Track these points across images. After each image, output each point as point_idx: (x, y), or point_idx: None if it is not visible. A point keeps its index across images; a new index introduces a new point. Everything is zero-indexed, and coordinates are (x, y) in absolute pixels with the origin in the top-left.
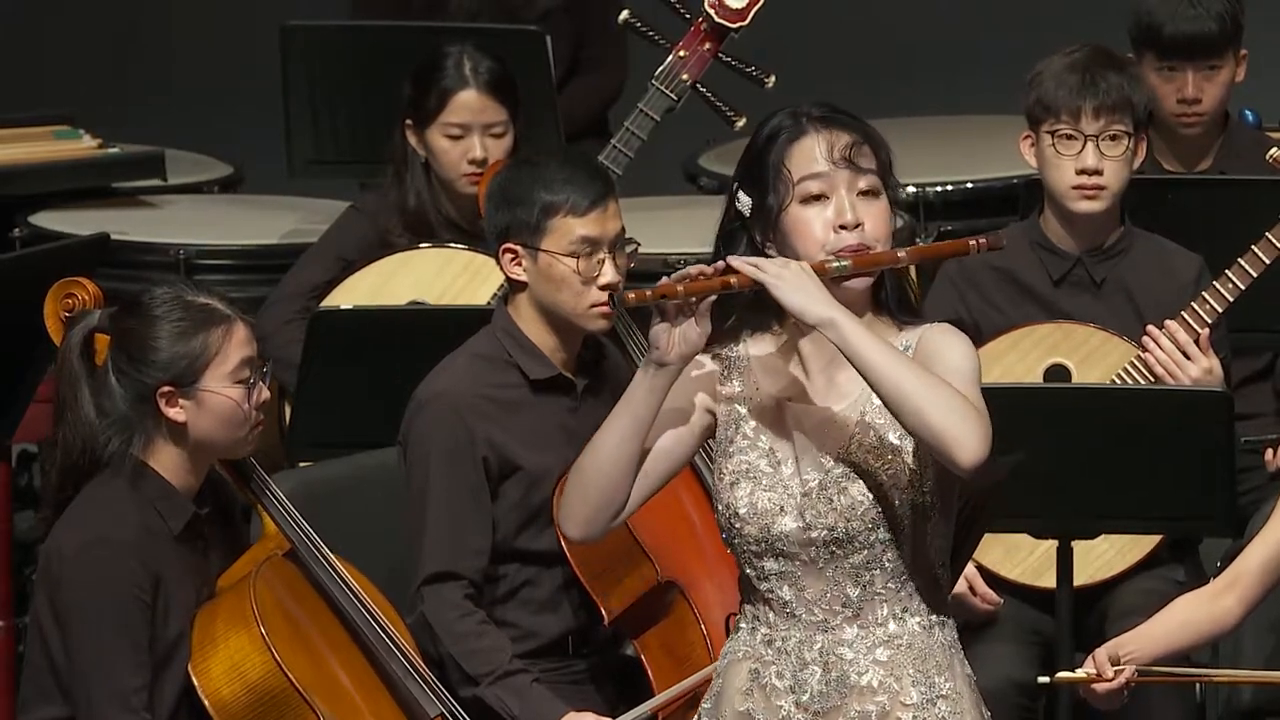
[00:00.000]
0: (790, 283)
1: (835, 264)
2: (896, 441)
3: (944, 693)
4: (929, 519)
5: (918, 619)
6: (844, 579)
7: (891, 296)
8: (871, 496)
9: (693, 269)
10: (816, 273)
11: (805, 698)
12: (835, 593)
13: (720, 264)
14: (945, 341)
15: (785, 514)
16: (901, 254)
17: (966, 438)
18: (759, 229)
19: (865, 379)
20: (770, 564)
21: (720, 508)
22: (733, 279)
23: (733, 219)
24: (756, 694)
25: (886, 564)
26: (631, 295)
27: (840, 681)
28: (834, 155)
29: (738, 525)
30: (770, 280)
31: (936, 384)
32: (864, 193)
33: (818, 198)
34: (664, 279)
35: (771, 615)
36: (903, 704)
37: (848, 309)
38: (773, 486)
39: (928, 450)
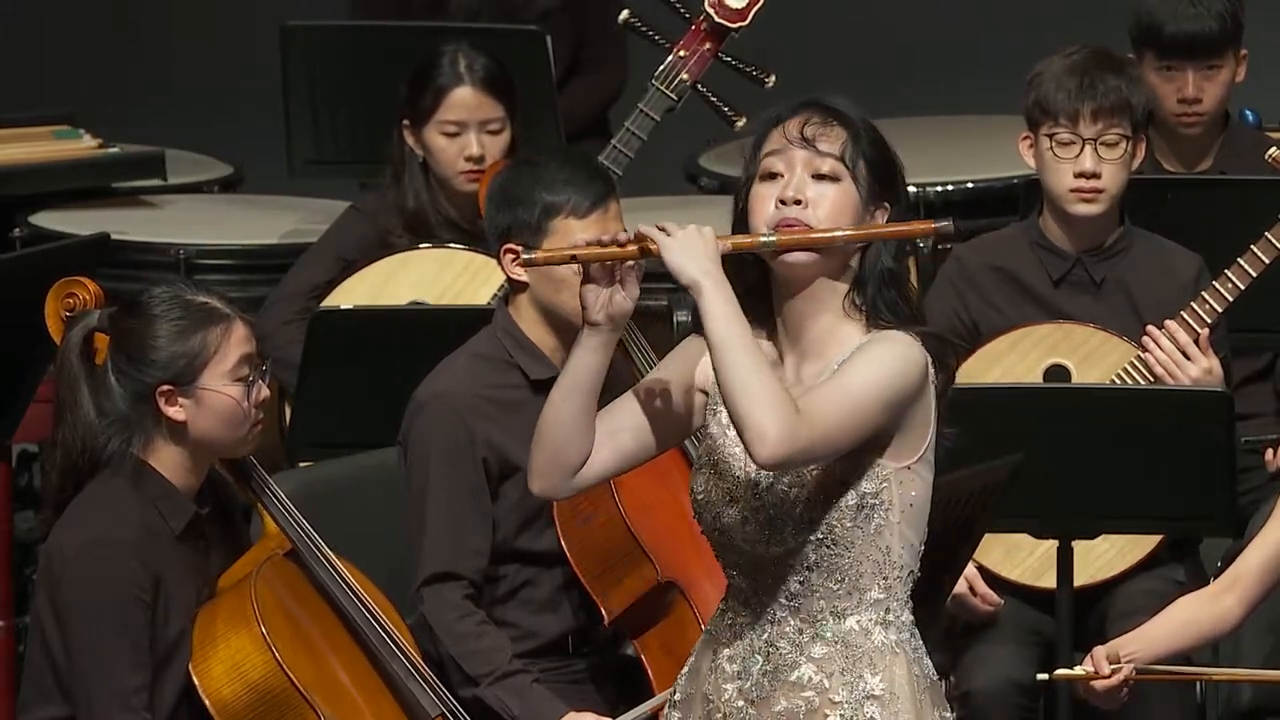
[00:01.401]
0: (677, 243)
1: (763, 239)
2: None
3: (875, 693)
4: (872, 520)
5: (855, 619)
6: (786, 572)
7: (879, 299)
8: (803, 492)
9: (608, 235)
10: (744, 246)
11: (747, 685)
12: (780, 585)
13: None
14: (873, 348)
15: (732, 504)
16: (839, 233)
17: (766, 432)
18: (741, 204)
19: (709, 352)
20: (727, 553)
21: (691, 494)
22: (638, 245)
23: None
24: (713, 675)
25: (823, 561)
26: (541, 254)
27: (775, 673)
28: (793, 134)
29: (697, 512)
30: (661, 240)
31: (761, 375)
32: (820, 175)
33: (774, 175)
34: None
35: (734, 601)
36: (831, 701)
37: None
38: (726, 476)
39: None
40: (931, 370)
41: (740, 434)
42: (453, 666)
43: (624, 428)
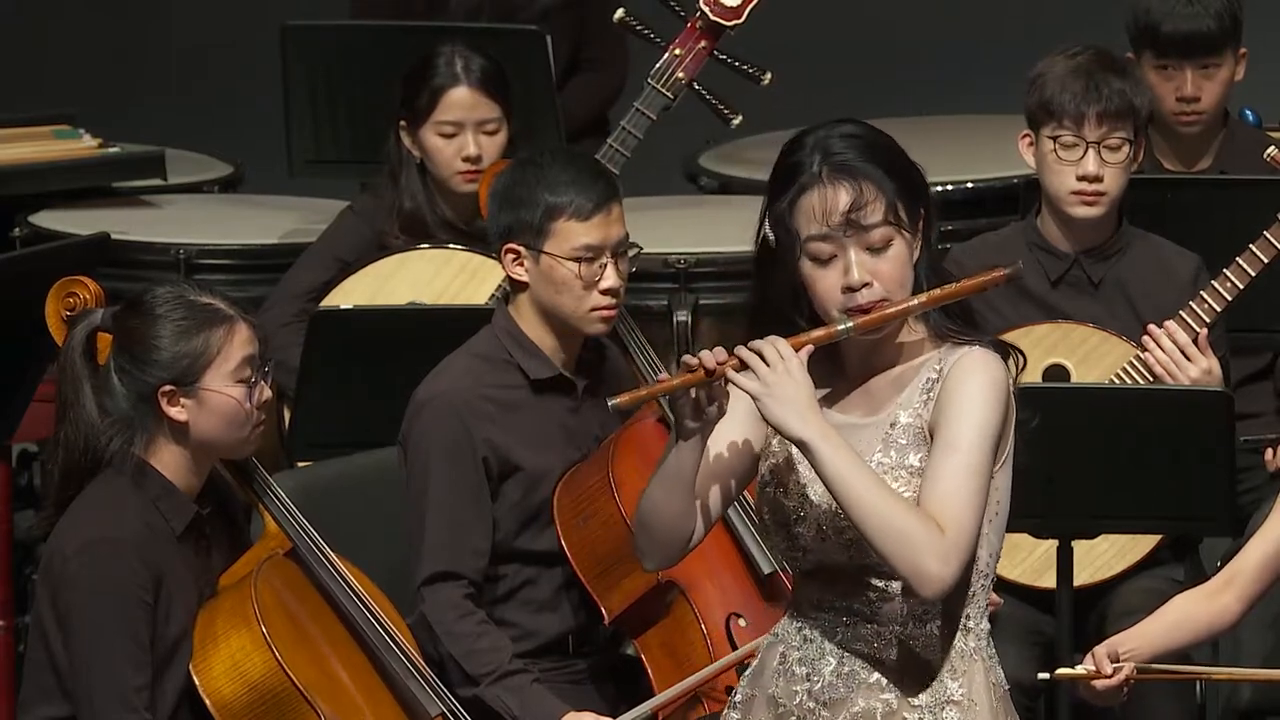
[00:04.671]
0: (775, 397)
1: (840, 327)
2: (916, 463)
3: (955, 698)
4: None
5: (937, 623)
6: (865, 576)
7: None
8: None
9: (692, 359)
10: (824, 340)
11: (817, 686)
12: (856, 590)
13: (721, 358)
14: (968, 386)
15: (806, 522)
16: (914, 302)
17: (924, 574)
18: (786, 267)
19: (834, 498)
20: (800, 559)
21: (757, 505)
22: (721, 373)
23: (764, 248)
24: (782, 678)
25: None
26: (625, 397)
27: (850, 676)
28: (834, 220)
29: (768, 523)
30: (756, 392)
31: (895, 513)
32: (874, 249)
33: (827, 259)
34: (662, 376)
35: (805, 604)
36: (910, 705)
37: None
38: (795, 493)
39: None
40: (1010, 376)
41: (897, 573)
42: (453, 666)
43: (708, 491)
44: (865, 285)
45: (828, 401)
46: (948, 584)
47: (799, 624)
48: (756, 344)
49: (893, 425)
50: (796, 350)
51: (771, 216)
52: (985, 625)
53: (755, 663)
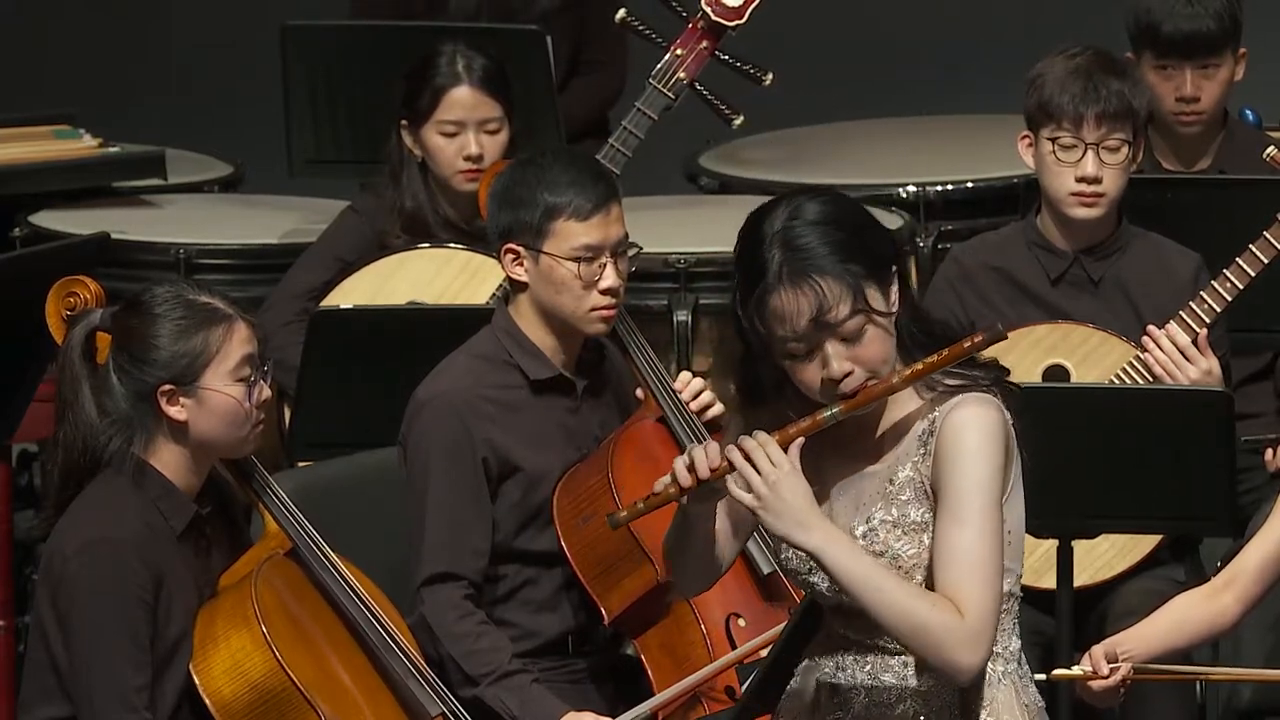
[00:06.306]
0: (773, 510)
1: (826, 414)
2: (918, 519)
3: None
4: None
5: None
6: None
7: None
8: (902, 562)
9: (684, 463)
10: (813, 430)
11: (849, 716)
12: (877, 628)
13: (715, 462)
14: (962, 445)
15: (817, 572)
16: (895, 380)
17: (948, 664)
18: (767, 359)
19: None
20: (821, 599)
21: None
22: (715, 479)
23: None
24: (812, 705)
25: None
26: (624, 514)
27: (879, 706)
28: (800, 325)
29: (785, 570)
30: (755, 508)
31: (913, 607)
32: (847, 339)
33: (804, 355)
34: (661, 484)
35: (835, 635)
36: None
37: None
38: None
39: None
40: (1009, 417)
41: (928, 665)
42: (453, 666)
43: (731, 525)
44: (847, 375)
45: (833, 452)
46: (978, 668)
47: (831, 652)
48: (747, 446)
49: (891, 481)
50: (786, 444)
51: (743, 314)
52: (1015, 645)
53: (795, 682)
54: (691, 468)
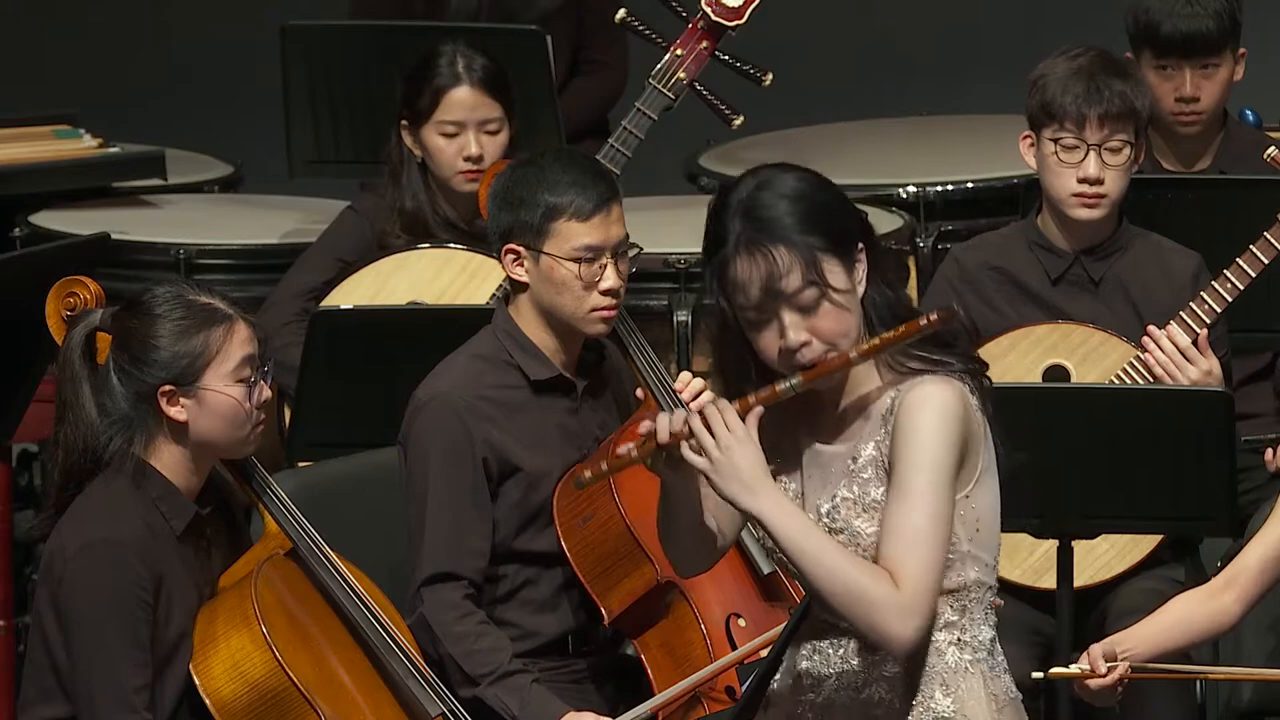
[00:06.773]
0: (722, 474)
1: (784, 385)
2: (880, 497)
3: (945, 714)
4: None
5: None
6: None
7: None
8: (870, 551)
9: (646, 427)
10: (771, 400)
11: (819, 699)
12: None
13: (677, 427)
14: (914, 423)
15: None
16: (853, 354)
17: (880, 632)
18: (732, 328)
19: (793, 567)
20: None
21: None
22: (674, 444)
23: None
24: (787, 688)
25: None
26: (588, 473)
27: (847, 690)
28: (753, 293)
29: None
30: (705, 469)
31: (850, 574)
32: (804, 308)
33: (762, 324)
34: (621, 447)
35: (815, 622)
36: None
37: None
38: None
39: None
40: (974, 400)
41: (860, 635)
42: (452, 666)
43: (723, 506)
44: (804, 345)
45: (805, 427)
46: (912, 640)
47: (810, 638)
48: (707, 412)
49: (855, 459)
50: (745, 413)
51: (706, 284)
52: (986, 635)
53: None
54: (653, 433)
